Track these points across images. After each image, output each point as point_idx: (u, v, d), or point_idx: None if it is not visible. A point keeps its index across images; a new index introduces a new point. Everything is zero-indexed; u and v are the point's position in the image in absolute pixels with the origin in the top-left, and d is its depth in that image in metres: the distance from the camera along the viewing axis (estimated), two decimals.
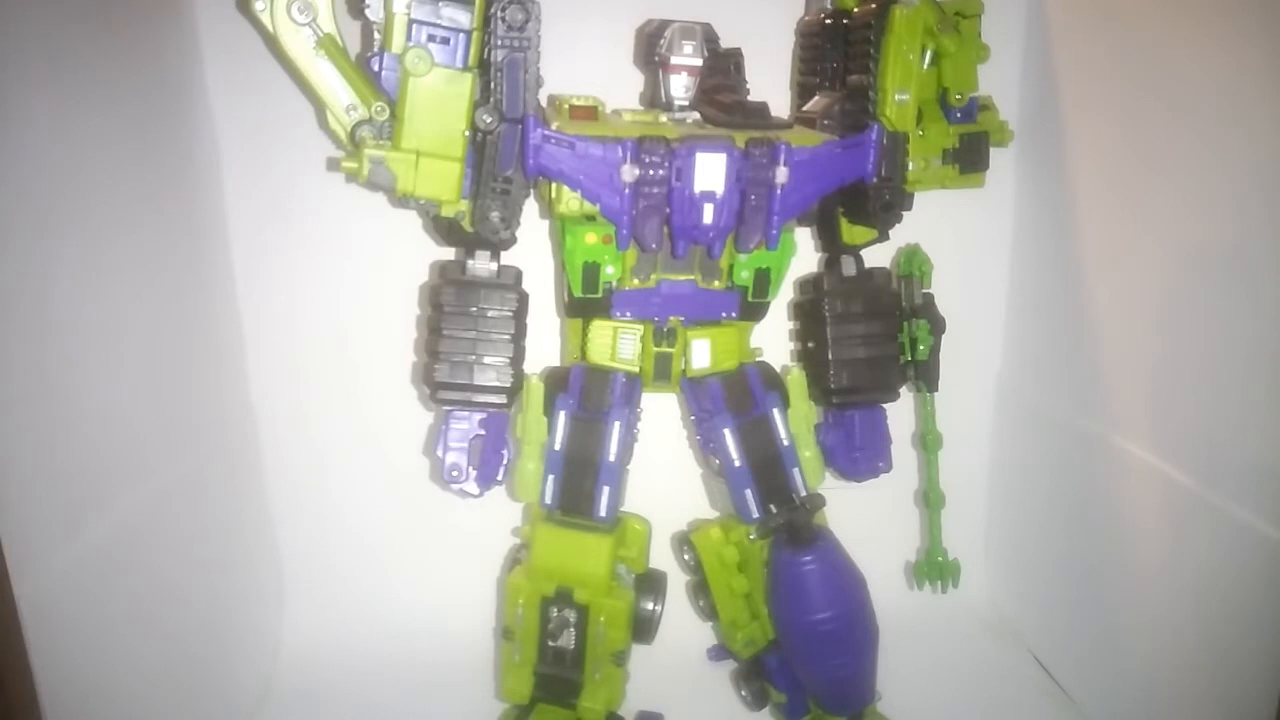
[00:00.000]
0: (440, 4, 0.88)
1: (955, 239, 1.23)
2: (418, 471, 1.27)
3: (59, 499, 0.80)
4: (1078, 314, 1.15)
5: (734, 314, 1.01)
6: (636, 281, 0.99)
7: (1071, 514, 1.19)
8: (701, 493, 1.17)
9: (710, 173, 0.88)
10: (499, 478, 1.00)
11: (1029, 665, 1.29)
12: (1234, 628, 0.92)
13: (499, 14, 0.89)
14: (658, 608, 1.02)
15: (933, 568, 1.10)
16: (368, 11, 0.90)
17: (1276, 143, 0.85)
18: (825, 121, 1.02)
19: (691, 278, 1.00)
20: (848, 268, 1.06)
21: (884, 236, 1.06)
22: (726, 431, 1.00)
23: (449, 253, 1.03)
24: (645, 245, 0.92)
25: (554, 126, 0.90)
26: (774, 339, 1.12)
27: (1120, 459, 1.07)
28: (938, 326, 1.06)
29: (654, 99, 1.00)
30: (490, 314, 0.97)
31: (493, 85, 0.91)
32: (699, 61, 0.96)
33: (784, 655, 1.06)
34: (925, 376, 1.07)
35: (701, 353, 1.02)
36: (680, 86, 0.97)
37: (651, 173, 0.88)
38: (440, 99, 0.88)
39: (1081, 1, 1.14)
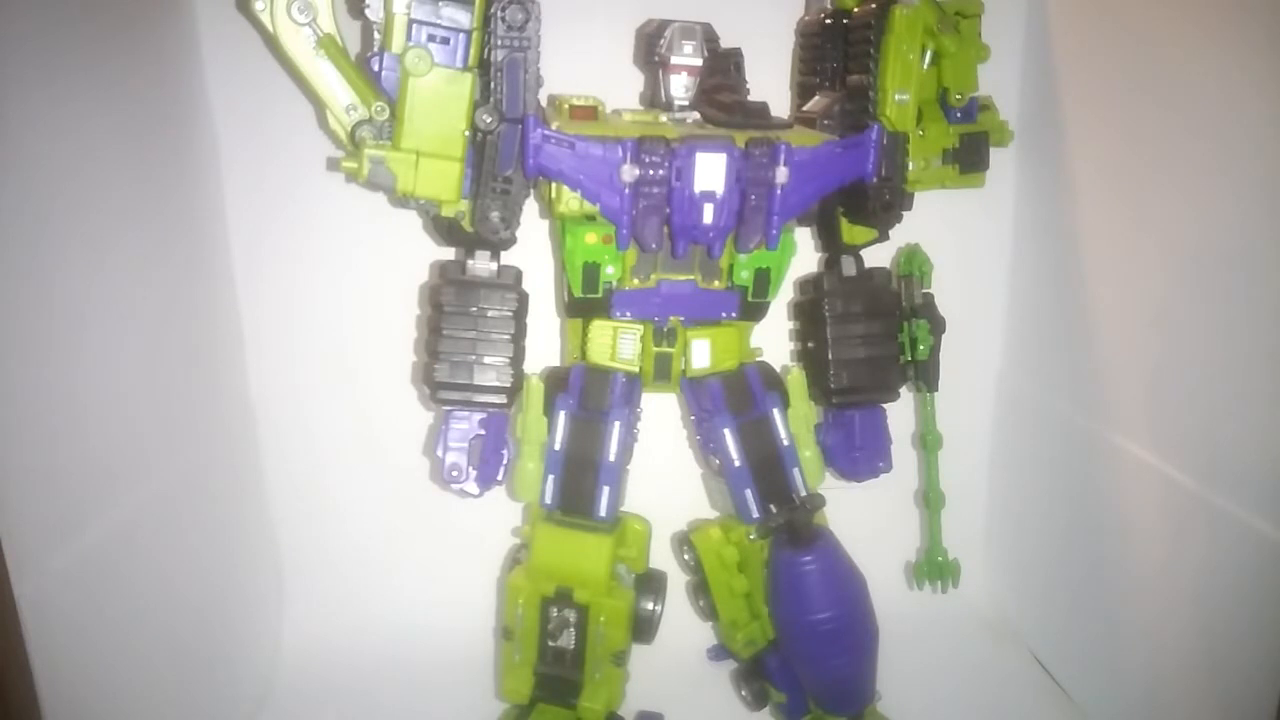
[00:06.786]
0: (440, 4, 0.88)
1: (955, 239, 1.22)
2: (418, 471, 1.27)
3: (59, 499, 0.80)
4: (1078, 314, 1.15)
5: (734, 314, 1.01)
6: (636, 281, 0.99)
7: (1071, 514, 1.19)
8: (701, 493, 1.17)
9: (710, 173, 0.88)
10: (499, 478, 1.00)
11: (1029, 665, 1.29)
12: (1234, 628, 0.92)
13: (499, 14, 0.89)
14: (658, 608, 1.02)
15: (933, 568, 1.10)
16: (368, 11, 0.90)
17: (1276, 143, 0.85)
18: (825, 121, 1.02)
19: (691, 278, 1.00)
20: (848, 268, 1.06)
21: (884, 236, 1.07)
22: (726, 431, 1.00)
23: (449, 253, 1.03)
24: (645, 245, 0.92)
25: (554, 126, 0.90)
26: (774, 339, 1.12)
27: (1120, 459, 1.07)
28: (938, 326, 1.06)
29: (654, 99, 1.00)
30: (490, 314, 0.97)
31: (493, 85, 0.91)
32: (699, 61, 0.96)
33: (784, 655, 1.06)
34: (925, 376, 1.07)
35: (701, 353, 1.02)
36: (680, 86, 0.97)
37: (651, 173, 0.88)
38: (440, 99, 0.88)
39: (1081, 1, 1.14)
